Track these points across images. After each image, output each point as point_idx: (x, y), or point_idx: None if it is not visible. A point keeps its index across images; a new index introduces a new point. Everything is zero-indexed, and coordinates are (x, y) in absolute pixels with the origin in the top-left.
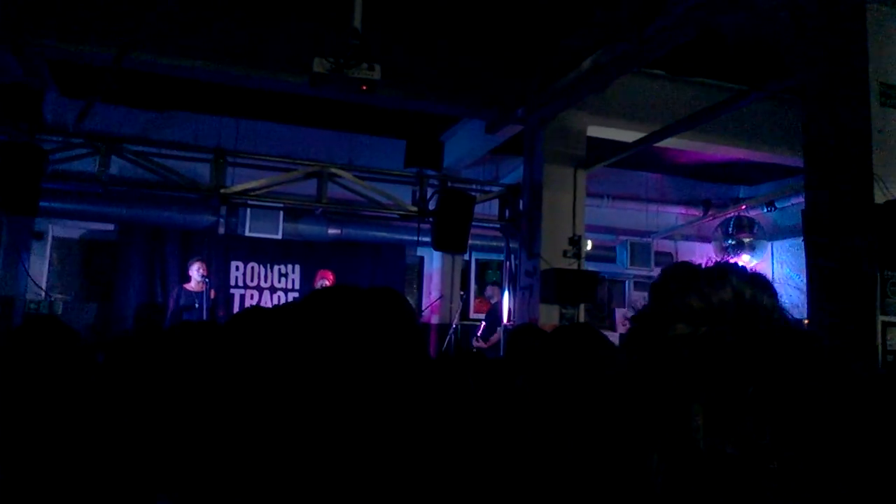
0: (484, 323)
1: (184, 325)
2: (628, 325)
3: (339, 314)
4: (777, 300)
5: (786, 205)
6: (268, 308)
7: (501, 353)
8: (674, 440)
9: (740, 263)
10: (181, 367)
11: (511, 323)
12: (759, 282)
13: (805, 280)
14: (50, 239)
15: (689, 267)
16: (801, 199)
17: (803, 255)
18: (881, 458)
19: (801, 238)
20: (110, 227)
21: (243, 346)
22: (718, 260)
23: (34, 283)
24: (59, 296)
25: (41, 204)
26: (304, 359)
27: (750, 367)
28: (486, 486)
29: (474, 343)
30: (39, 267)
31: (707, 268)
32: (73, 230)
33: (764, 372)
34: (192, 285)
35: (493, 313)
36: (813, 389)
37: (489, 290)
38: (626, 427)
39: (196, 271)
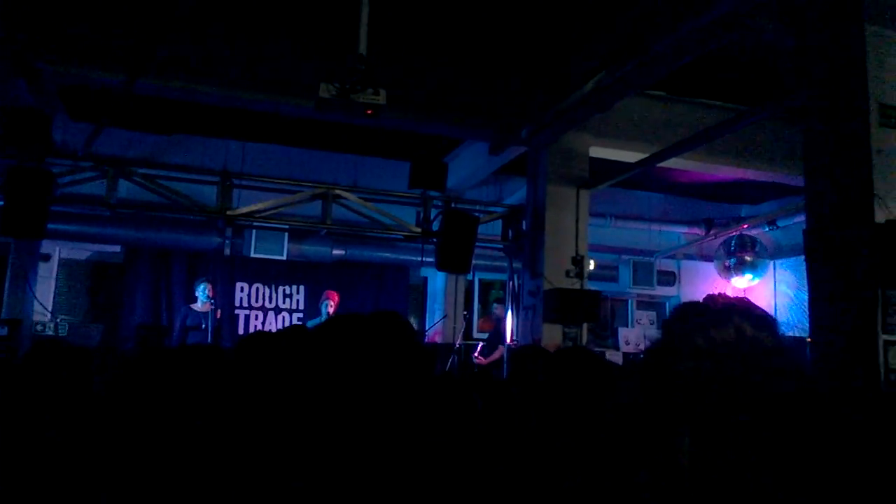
0: (482, 343)
1: (186, 348)
2: (641, 357)
3: (344, 339)
4: (779, 339)
5: (788, 223)
6: (272, 333)
7: (504, 371)
8: (661, 459)
9: (737, 284)
10: (186, 391)
11: (514, 342)
12: (762, 321)
13: (807, 299)
14: (57, 261)
15: (697, 306)
16: (803, 218)
17: (805, 273)
18: (861, 494)
19: (803, 257)
20: (117, 248)
21: (251, 372)
22: (726, 298)
23: (41, 304)
24: (66, 317)
25: (49, 226)
26: (310, 383)
27: (740, 397)
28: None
29: (474, 359)
30: (46, 289)
31: (713, 308)
32: (79, 252)
33: (753, 404)
34: (199, 306)
35: (497, 331)
36: (797, 428)
37: (496, 308)
38: (620, 446)
39: (202, 292)
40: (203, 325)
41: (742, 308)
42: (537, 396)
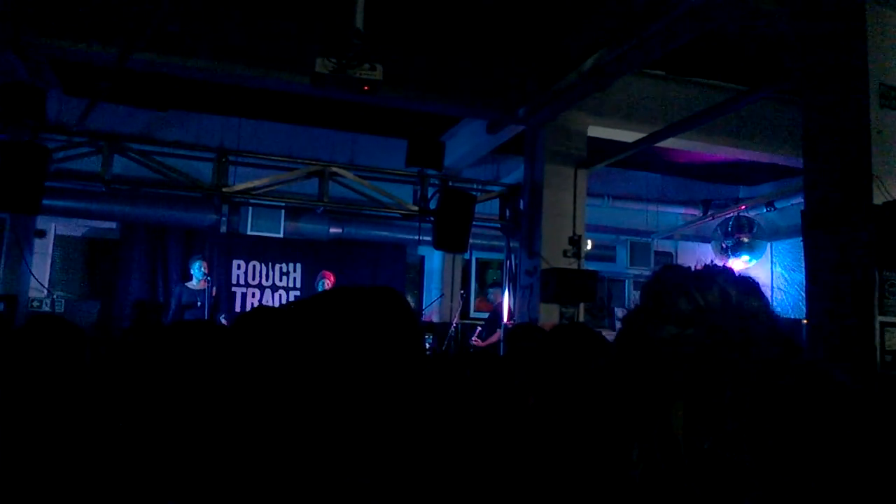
0: (479, 327)
1: (181, 324)
2: (619, 325)
3: (340, 314)
4: (764, 303)
5: (785, 205)
6: (273, 308)
7: (501, 353)
8: (654, 435)
9: (734, 265)
10: (184, 367)
11: (511, 322)
12: (746, 285)
13: (804, 280)
14: (52, 237)
15: (679, 270)
16: (801, 200)
17: (802, 255)
18: (850, 460)
19: (801, 238)
20: (112, 225)
21: (248, 347)
22: (708, 263)
23: (37, 280)
24: (62, 293)
25: (44, 202)
26: (306, 359)
27: (728, 370)
28: (479, 477)
29: (472, 341)
30: (42, 265)
31: (696, 271)
32: (75, 228)
33: (741, 376)
34: (194, 283)
35: (495, 314)
36: (786, 394)
37: (492, 294)
38: (611, 422)
39: (197, 269)
40: (199, 303)
41: (725, 271)
42: (535, 373)
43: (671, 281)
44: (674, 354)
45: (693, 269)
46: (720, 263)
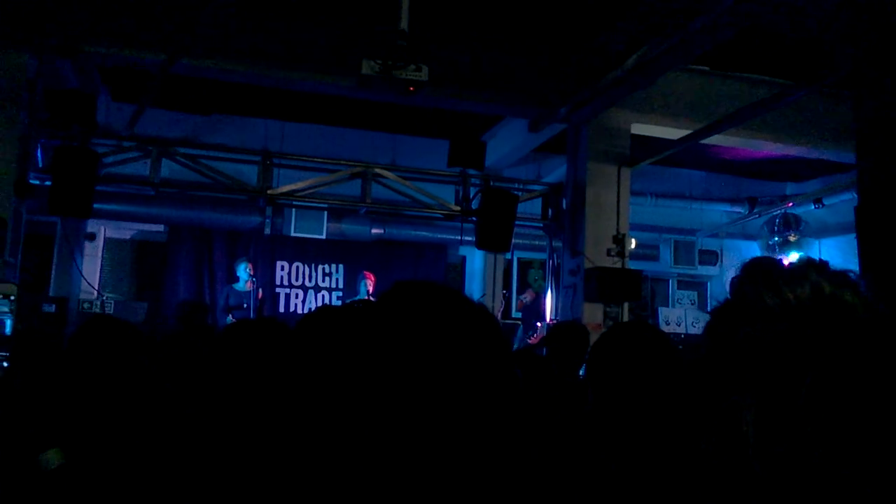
0: (531, 333)
1: (244, 322)
2: (708, 320)
3: (428, 311)
4: (863, 296)
5: (834, 202)
6: (337, 307)
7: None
8: (725, 432)
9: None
10: (251, 365)
11: (554, 321)
12: (841, 278)
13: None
14: (102, 240)
15: (769, 262)
16: (850, 196)
17: (851, 253)
18: None
19: (849, 235)
20: (160, 228)
21: (324, 346)
22: (804, 257)
23: (87, 282)
24: (111, 295)
25: (94, 206)
26: (396, 357)
27: (812, 361)
28: (542, 478)
29: (529, 342)
30: (92, 267)
31: (787, 265)
32: (124, 231)
33: (826, 365)
34: (240, 285)
35: (534, 309)
36: (880, 388)
37: (525, 294)
38: (684, 421)
39: (243, 271)
40: (245, 305)
41: (820, 265)
42: (595, 374)
43: (758, 274)
44: (757, 350)
45: (783, 262)
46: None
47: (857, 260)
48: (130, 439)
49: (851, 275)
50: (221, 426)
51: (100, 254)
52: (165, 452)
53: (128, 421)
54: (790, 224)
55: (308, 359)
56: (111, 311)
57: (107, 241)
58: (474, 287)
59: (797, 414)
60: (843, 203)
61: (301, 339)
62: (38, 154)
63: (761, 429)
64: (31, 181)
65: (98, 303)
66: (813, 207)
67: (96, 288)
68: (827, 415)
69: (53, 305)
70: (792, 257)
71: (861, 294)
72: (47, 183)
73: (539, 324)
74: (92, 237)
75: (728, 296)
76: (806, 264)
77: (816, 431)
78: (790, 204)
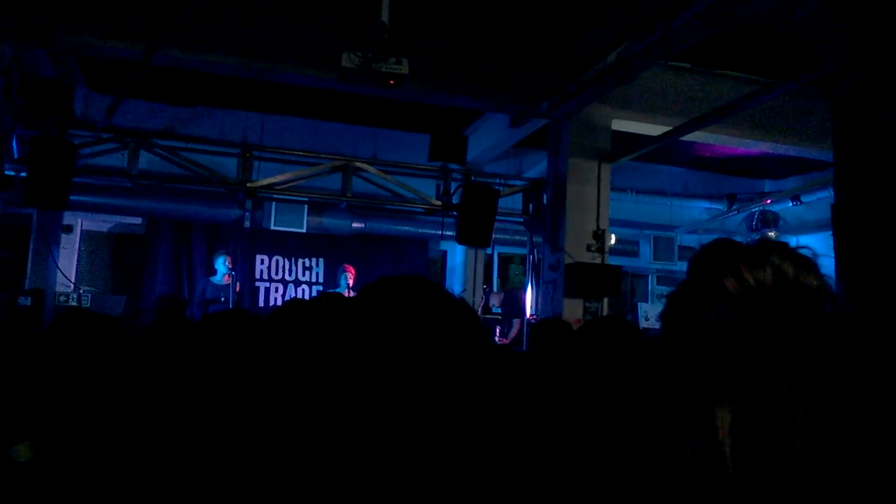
0: (497, 326)
1: (216, 315)
2: (664, 304)
3: (388, 303)
4: (825, 281)
5: (812, 199)
6: (308, 301)
7: (524, 345)
8: (700, 441)
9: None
10: (222, 358)
11: (534, 317)
12: (804, 261)
13: (833, 276)
14: (79, 232)
15: (729, 244)
16: (828, 194)
17: (829, 250)
18: None
19: (827, 233)
20: (138, 220)
21: (290, 339)
22: (763, 237)
23: (64, 275)
24: (88, 288)
25: (71, 198)
26: (368, 351)
27: (785, 362)
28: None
29: (497, 341)
30: (69, 260)
31: (747, 246)
32: (101, 223)
33: (800, 368)
34: (218, 278)
35: (511, 304)
36: (854, 390)
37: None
38: (655, 420)
39: (222, 264)
40: (223, 298)
41: (782, 246)
42: (569, 370)
43: (718, 256)
44: (721, 341)
45: (745, 243)
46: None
47: (833, 256)
48: (103, 434)
49: (813, 260)
50: (194, 421)
51: (77, 246)
52: (138, 447)
53: (101, 415)
54: (768, 221)
55: (278, 353)
56: (88, 305)
57: (84, 233)
58: (455, 282)
59: (773, 421)
60: (821, 200)
61: (270, 332)
62: (14, 145)
63: (737, 435)
64: (7, 172)
65: (74, 296)
66: (791, 204)
67: (73, 281)
68: (807, 428)
69: (29, 298)
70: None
71: (822, 277)
72: (23, 174)
73: (515, 320)
74: (69, 229)
75: (685, 278)
76: (766, 246)
77: (795, 442)
78: (768, 201)
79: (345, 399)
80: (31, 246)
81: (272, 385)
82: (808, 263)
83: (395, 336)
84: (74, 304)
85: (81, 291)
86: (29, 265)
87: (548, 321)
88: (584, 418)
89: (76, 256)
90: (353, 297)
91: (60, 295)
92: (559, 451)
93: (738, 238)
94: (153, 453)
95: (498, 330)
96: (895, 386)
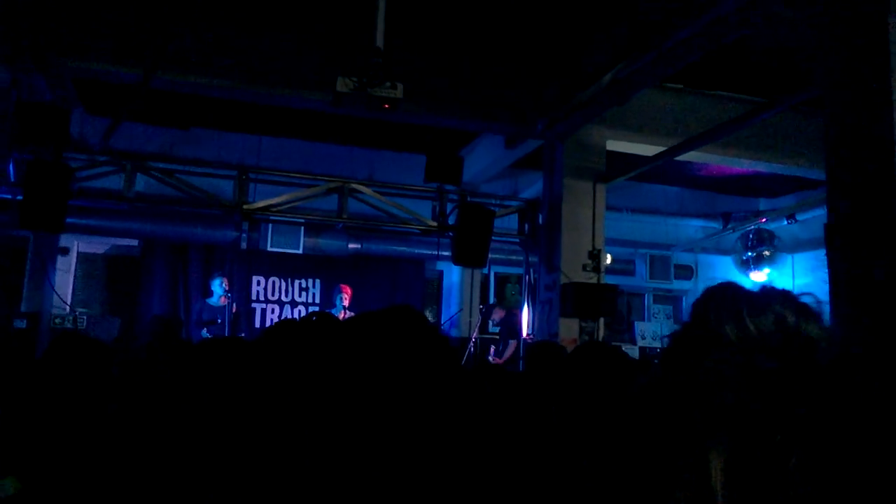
0: (493, 346)
1: (212, 341)
2: (665, 343)
3: (361, 335)
4: (826, 330)
5: (806, 217)
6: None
7: (520, 365)
8: (693, 487)
9: (755, 278)
10: (208, 384)
11: (531, 336)
12: (806, 310)
13: (827, 294)
14: (75, 254)
15: (732, 289)
16: (823, 212)
17: (824, 268)
18: None
19: (822, 251)
20: (134, 242)
21: (277, 360)
22: (766, 285)
23: (59, 298)
24: (84, 310)
25: (67, 220)
26: (335, 377)
27: (780, 410)
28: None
29: (490, 360)
30: (65, 282)
31: (751, 292)
32: (97, 245)
33: (795, 417)
34: (214, 300)
35: (508, 325)
36: (847, 439)
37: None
38: (647, 457)
39: (218, 286)
40: (219, 320)
41: (784, 295)
42: (558, 393)
43: (720, 301)
44: (719, 386)
45: (749, 289)
46: (744, 276)
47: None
48: (94, 463)
49: (815, 309)
50: (185, 449)
51: (73, 268)
52: (128, 476)
53: (92, 445)
54: (763, 239)
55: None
56: (83, 327)
57: (80, 255)
58: (451, 302)
59: (766, 468)
60: (816, 219)
61: (260, 354)
62: (11, 168)
63: (730, 482)
64: (3, 195)
65: (70, 318)
66: (786, 223)
67: (68, 303)
68: (799, 474)
69: (25, 321)
70: (764, 272)
71: (825, 328)
72: (19, 197)
73: (512, 341)
74: (65, 251)
75: (688, 321)
76: (770, 293)
77: (787, 489)
78: (763, 219)
79: (319, 423)
80: (28, 268)
81: (253, 407)
82: (809, 312)
83: (366, 365)
84: (70, 326)
85: (77, 313)
86: (25, 287)
87: (541, 344)
88: (571, 440)
89: (72, 278)
90: (343, 319)
91: (56, 317)
92: (543, 471)
93: (733, 256)
94: (141, 482)
95: (493, 349)
96: (887, 437)
